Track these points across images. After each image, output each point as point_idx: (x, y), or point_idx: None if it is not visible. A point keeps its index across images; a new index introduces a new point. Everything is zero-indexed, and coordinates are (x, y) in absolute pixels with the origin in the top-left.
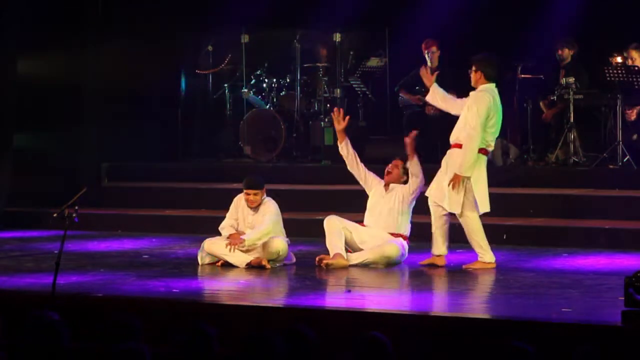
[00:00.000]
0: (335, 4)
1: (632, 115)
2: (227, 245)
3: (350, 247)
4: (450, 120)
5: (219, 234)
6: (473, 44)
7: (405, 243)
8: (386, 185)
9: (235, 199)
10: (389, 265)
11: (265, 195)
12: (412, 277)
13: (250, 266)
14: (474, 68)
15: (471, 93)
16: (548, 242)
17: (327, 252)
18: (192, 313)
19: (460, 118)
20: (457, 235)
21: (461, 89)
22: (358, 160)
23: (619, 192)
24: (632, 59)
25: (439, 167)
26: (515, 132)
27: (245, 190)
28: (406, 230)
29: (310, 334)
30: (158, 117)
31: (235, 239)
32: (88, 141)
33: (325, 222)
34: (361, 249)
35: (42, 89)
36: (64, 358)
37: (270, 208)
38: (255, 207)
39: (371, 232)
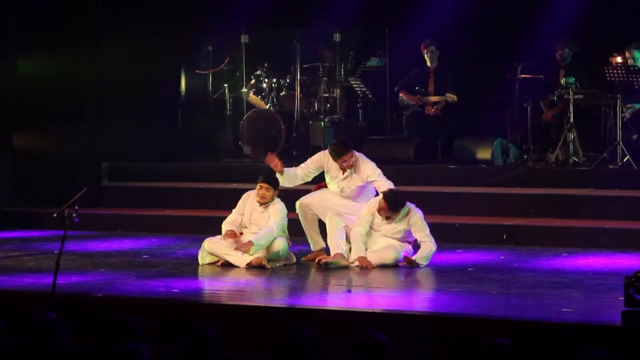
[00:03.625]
0: (335, 4)
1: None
2: (235, 249)
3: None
4: (449, 121)
5: (220, 233)
6: (473, 44)
7: (409, 247)
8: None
9: (245, 195)
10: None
11: (276, 197)
12: (412, 277)
13: (250, 266)
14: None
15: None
16: (548, 242)
17: (326, 252)
18: (192, 313)
19: None
20: (456, 235)
21: (460, 89)
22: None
23: (619, 192)
24: (634, 59)
25: (439, 167)
26: (515, 132)
27: (259, 183)
28: (411, 236)
29: (311, 334)
30: (158, 117)
31: (244, 245)
32: (88, 141)
33: (327, 219)
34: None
35: (42, 89)
36: (63, 358)
37: (277, 210)
38: (263, 204)
39: (376, 234)
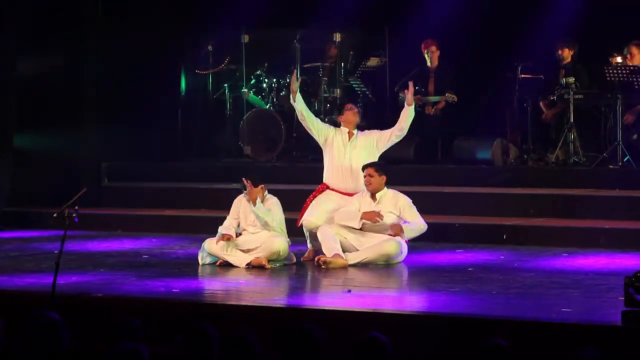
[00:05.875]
0: (335, 4)
1: (629, 118)
2: (217, 242)
3: (347, 251)
4: (449, 121)
5: None
6: (473, 44)
7: (404, 241)
8: (373, 196)
9: (236, 199)
10: (389, 263)
11: (267, 192)
12: (412, 277)
13: (250, 266)
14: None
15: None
16: (548, 242)
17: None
18: (192, 313)
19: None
20: (456, 235)
21: (460, 89)
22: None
23: (619, 192)
24: (631, 55)
25: (439, 167)
26: (515, 132)
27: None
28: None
29: (319, 333)
30: (158, 117)
31: (224, 236)
32: (88, 141)
33: (318, 231)
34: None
35: (42, 89)
36: (64, 358)
37: (274, 205)
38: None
39: (369, 233)
